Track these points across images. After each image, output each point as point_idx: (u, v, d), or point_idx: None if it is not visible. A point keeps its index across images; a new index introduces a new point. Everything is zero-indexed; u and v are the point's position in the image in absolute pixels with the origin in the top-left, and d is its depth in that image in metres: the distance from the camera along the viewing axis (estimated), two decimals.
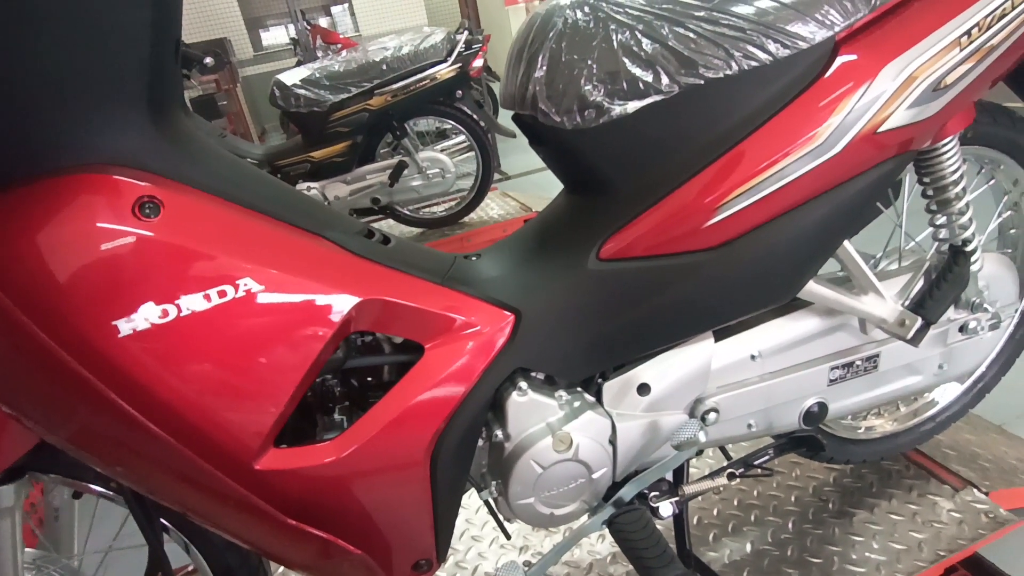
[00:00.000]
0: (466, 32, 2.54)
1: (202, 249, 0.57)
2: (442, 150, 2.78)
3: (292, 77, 2.46)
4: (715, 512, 1.13)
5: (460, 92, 2.58)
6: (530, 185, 3.83)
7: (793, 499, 1.13)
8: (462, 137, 2.79)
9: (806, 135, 0.67)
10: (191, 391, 0.57)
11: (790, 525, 1.08)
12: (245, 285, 0.58)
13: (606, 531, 0.89)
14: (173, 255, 0.55)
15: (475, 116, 2.69)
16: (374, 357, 0.71)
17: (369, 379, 0.74)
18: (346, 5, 8.25)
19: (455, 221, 2.93)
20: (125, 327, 0.54)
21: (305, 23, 6.41)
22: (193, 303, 0.56)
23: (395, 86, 2.45)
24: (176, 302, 0.55)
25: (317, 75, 2.43)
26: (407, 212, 2.86)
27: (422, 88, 2.47)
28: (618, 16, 0.65)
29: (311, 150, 2.54)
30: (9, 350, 0.51)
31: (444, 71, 2.48)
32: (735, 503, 1.14)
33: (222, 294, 0.57)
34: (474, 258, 0.79)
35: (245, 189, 0.62)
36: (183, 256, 0.56)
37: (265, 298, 0.59)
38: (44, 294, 0.51)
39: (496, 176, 3.13)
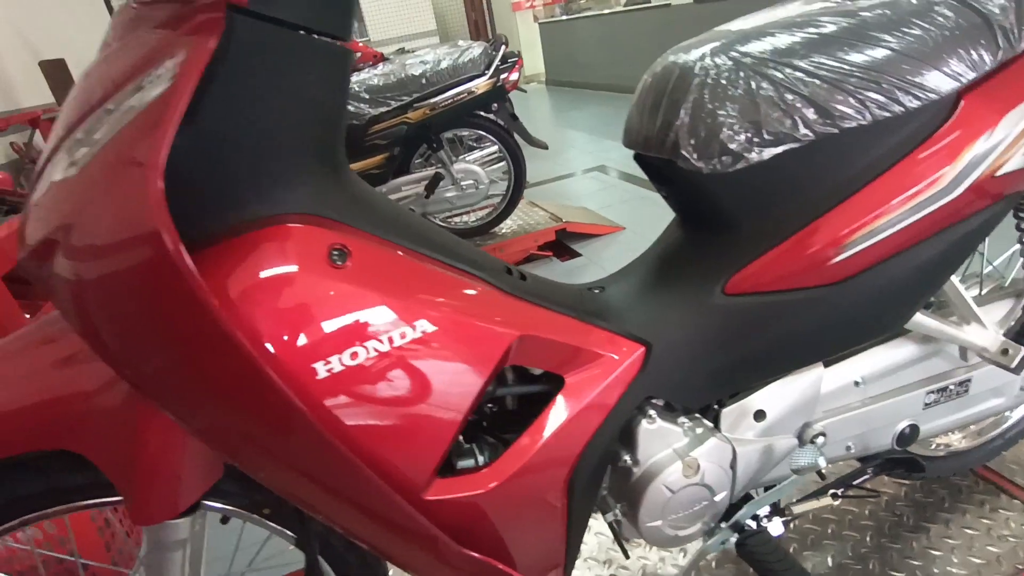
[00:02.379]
0: (503, 47, 2.57)
1: (384, 294, 0.60)
2: (474, 160, 2.82)
3: None
4: (791, 526, 1.17)
5: (496, 105, 2.62)
6: (552, 193, 3.86)
7: (867, 513, 1.17)
8: (493, 148, 2.83)
9: (930, 180, 0.71)
10: (375, 425, 0.60)
11: (868, 539, 1.12)
12: (421, 326, 0.61)
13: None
14: (361, 300, 0.59)
15: (509, 129, 2.73)
16: (519, 387, 0.74)
17: (508, 408, 0.77)
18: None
19: (486, 231, 2.97)
20: (322, 369, 0.57)
21: None
22: (378, 345, 0.59)
23: (434, 100, 2.49)
24: (364, 344, 0.59)
25: (356, 88, 2.47)
26: (438, 222, 2.90)
27: (460, 101, 2.51)
28: (759, 68, 0.68)
29: (349, 162, 2.58)
30: (231, 379, 0.53)
31: (482, 85, 2.52)
32: (810, 516, 1.18)
33: (402, 335, 0.61)
34: (597, 290, 0.83)
35: (410, 232, 0.66)
36: (369, 301, 0.59)
37: (438, 338, 0.62)
38: (258, 333, 0.54)
39: None
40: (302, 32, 0.53)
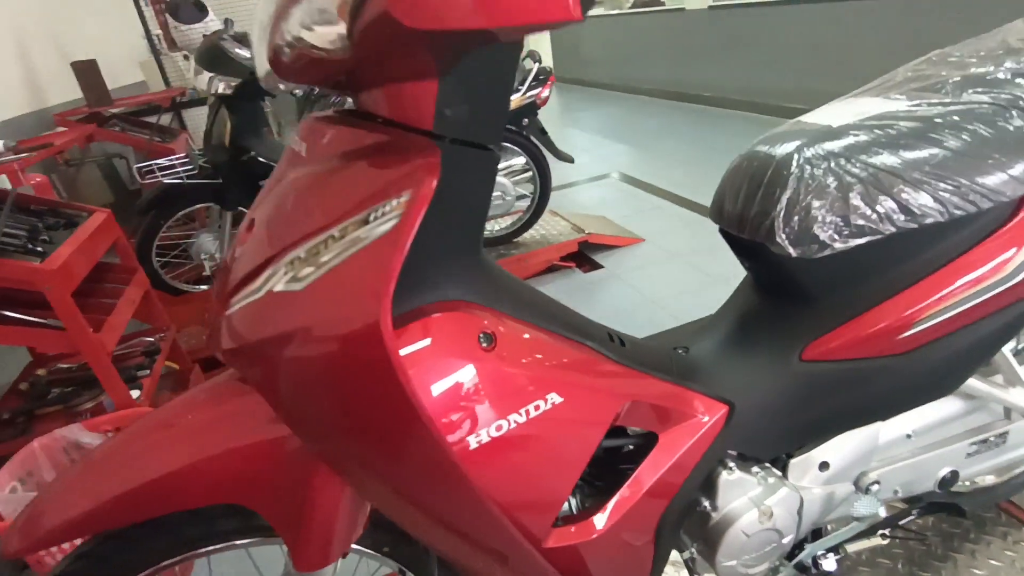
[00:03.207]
0: (537, 63, 2.63)
1: (522, 371, 0.68)
2: (500, 172, 2.88)
3: None
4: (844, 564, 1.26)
5: (527, 120, 2.68)
6: (568, 200, 3.93)
7: (897, 542, 1.26)
8: (520, 160, 2.89)
9: (994, 267, 0.79)
10: (510, 485, 0.68)
11: (900, 566, 1.21)
12: (551, 399, 0.69)
13: None
14: (505, 380, 0.66)
15: (538, 143, 2.79)
16: (620, 441, 0.82)
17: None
18: None
19: (510, 240, 3.04)
20: (473, 441, 0.65)
21: None
22: (517, 418, 0.67)
23: None
24: (507, 417, 0.66)
25: None
26: None
27: None
28: (848, 167, 0.76)
29: None
30: (412, 449, 0.60)
31: (515, 100, 2.58)
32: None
33: (536, 408, 0.68)
34: (682, 351, 0.91)
35: (535, 310, 0.73)
36: (511, 380, 0.67)
37: (564, 407, 0.70)
38: (428, 405, 0.62)
39: None
40: (474, 146, 0.60)
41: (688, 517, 0.89)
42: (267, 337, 0.56)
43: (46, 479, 1.58)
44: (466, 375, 0.64)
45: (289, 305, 0.55)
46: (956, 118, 0.78)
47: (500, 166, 2.90)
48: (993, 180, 0.76)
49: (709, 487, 0.86)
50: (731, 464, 0.85)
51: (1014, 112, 0.77)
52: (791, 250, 0.78)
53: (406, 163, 0.54)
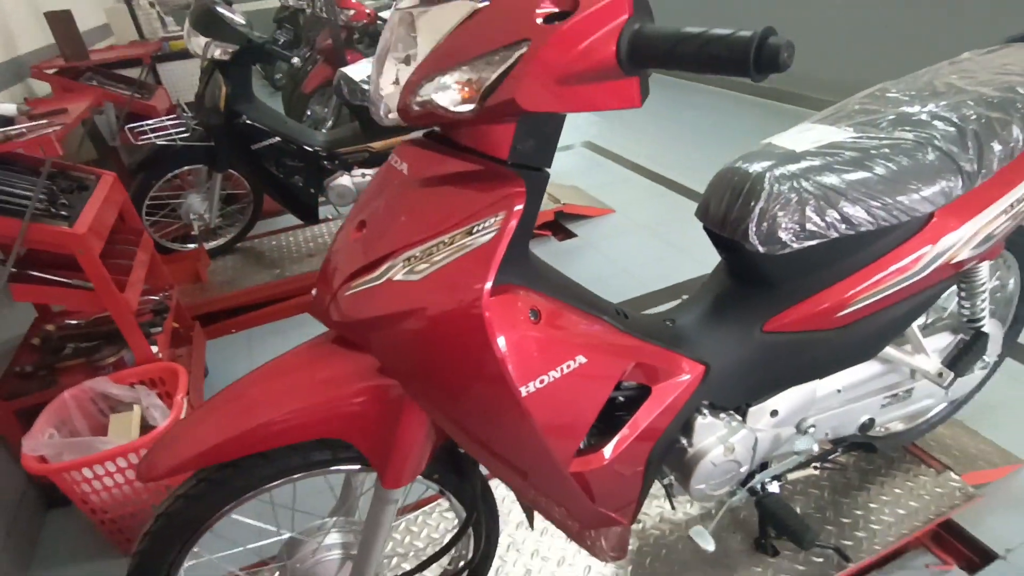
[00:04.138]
0: None
1: (559, 339, 0.88)
2: None
3: (359, 73, 2.63)
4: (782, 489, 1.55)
5: None
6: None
7: (826, 476, 1.56)
8: None
9: (909, 263, 1.04)
10: (550, 425, 0.89)
11: (825, 495, 1.51)
12: (579, 359, 0.90)
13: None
14: (548, 346, 0.87)
15: None
16: (621, 393, 1.05)
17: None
18: None
19: None
20: (523, 391, 0.85)
21: None
22: (555, 374, 0.88)
23: None
24: (548, 374, 0.87)
25: None
26: None
27: None
28: (806, 185, 0.98)
29: (370, 141, 2.75)
30: (489, 392, 0.80)
31: None
32: (786, 478, 1.56)
33: (568, 366, 0.89)
34: (669, 322, 1.13)
35: (564, 290, 0.93)
36: (551, 345, 0.87)
37: (587, 366, 0.91)
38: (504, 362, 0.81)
39: None
40: (535, 169, 0.79)
41: (669, 452, 1.13)
42: (388, 313, 0.75)
43: (77, 427, 1.72)
44: (523, 341, 0.84)
45: (407, 290, 0.74)
46: (887, 150, 1.01)
47: None
48: (910, 200, 0.99)
49: (687, 429, 1.10)
50: (705, 411, 1.09)
51: (929, 148, 1.00)
52: (760, 248, 1.00)
53: (498, 190, 0.73)
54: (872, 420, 1.28)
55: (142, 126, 2.51)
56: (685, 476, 1.12)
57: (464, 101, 0.67)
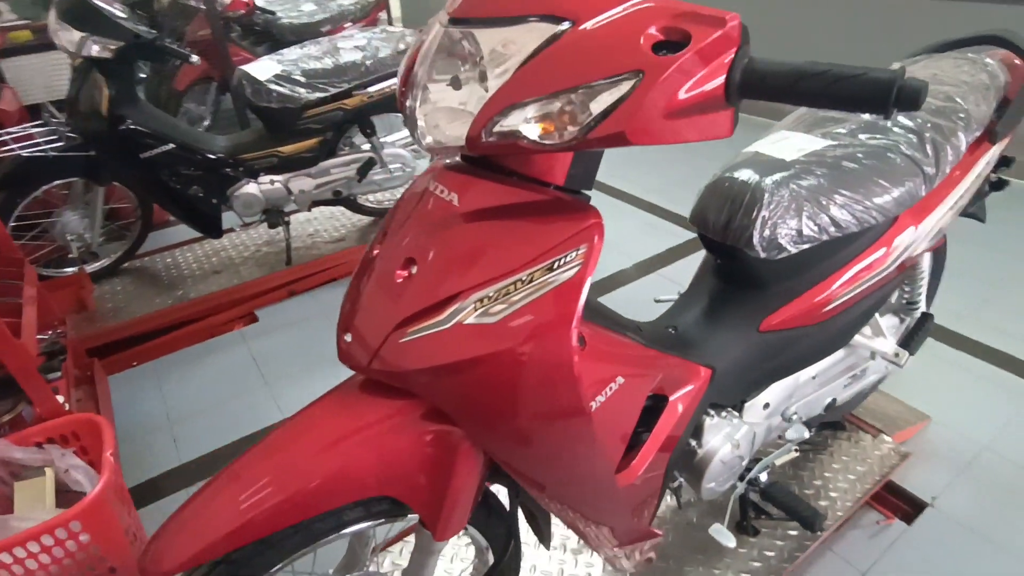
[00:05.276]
0: None
1: (601, 364, 0.87)
2: (397, 142, 2.91)
3: (264, 72, 2.42)
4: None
5: None
6: None
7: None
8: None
9: (879, 259, 1.14)
10: (603, 437, 0.87)
11: (787, 469, 1.62)
12: (619, 380, 0.89)
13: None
14: (593, 371, 0.85)
15: None
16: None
17: None
18: None
19: None
20: (590, 406, 0.82)
21: None
22: (600, 399, 0.86)
23: (373, 88, 2.53)
24: (602, 392, 0.85)
25: (291, 71, 2.43)
26: (370, 203, 2.98)
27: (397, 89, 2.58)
28: (801, 194, 1.03)
29: (279, 145, 2.54)
30: (566, 419, 0.77)
31: None
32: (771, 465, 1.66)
33: (611, 389, 0.88)
34: (672, 330, 1.15)
35: (598, 314, 0.92)
36: (596, 371, 0.86)
37: (625, 387, 0.91)
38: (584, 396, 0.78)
39: None
40: (580, 194, 0.76)
41: (681, 456, 1.16)
42: (461, 360, 0.69)
43: None
44: (579, 365, 0.81)
45: (483, 334, 0.68)
46: (861, 156, 1.09)
47: (396, 137, 2.92)
48: (885, 202, 1.08)
49: (696, 431, 1.13)
50: (711, 412, 1.13)
51: (897, 154, 1.10)
52: (762, 253, 1.04)
53: (577, 222, 0.69)
54: (834, 400, 1.40)
55: (1, 135, 2.13)
56: (696, 477, 1.15)
57: (553, 133, 0.62)
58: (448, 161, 0.77)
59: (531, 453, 0.78)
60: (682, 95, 0.58)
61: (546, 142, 0.63)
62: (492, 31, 0.64)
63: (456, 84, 0.69)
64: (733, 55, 0.58)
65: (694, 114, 0.59)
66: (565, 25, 0.61)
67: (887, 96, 0.54)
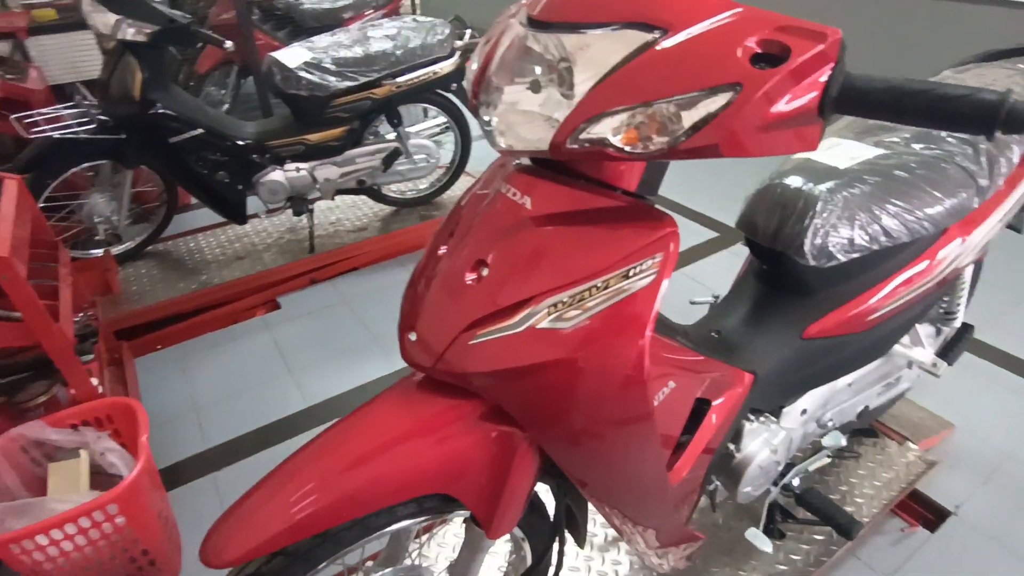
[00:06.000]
0: (468, 29, 2.66)
1: (657, 368, 0.87)
2: (422, 132, 2.90)
3: (294, 59, 2.42)
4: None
5: (455, 84, 2.72)
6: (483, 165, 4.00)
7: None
8: (441, 120, 2.93)
9: (930, 268, 1.14)
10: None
11: (817, 474, 1.63)
12: (671, 384, 0.90)
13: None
14: (656, 372, 0.85)
15: (460, 103, 2.85)
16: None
17: None
18: None
19: (429, 201, 3.10)
20: (654, 403, 0.82)
21: None
22: (662, 395, 0.87)
23: (402, 78, 2.53)
24: (660, 391, 0.86)
25: (321, 59, 2.42)
26: (393, 193, 2.98)
27: (426, 80, 2.58)
28: (852, 201, 1.03)
29: (306, 132, 2.54)
30: (629, 418, 0.77)
31: (447, 66, 2.60)
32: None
33: (663, 393, 0.89)
34: (715, 334, 1.15)
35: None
36: (659, 372, 0.86)
37: (676, 391, 0.91)
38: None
39: None
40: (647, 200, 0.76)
41: (719, 459, 1.16)
42: (532, 364, 0.69)
43: (5, 481, 1.47)
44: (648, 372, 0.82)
45: (556, 339, 0.69)
46: (914, 166, 1.09)
47: (421, 127, 2.91)
48: (937, 213, 1.08)
49: (736, 436, 1.14)
50: (751, 417, 1.13)
51: (951, 165, 1.10)
52: (812, 261, 1.04)
53: (653, 230, 0.69)
54: (867, 407, 1.40)
55: (33, 116, 2.14)
56: (734, 481, 1.15)
57: (638, 143, 0.62)
58: (517, 162, 0.77)
59: (593, 455, 0.79)
60: (777, 109, 0.58)
61: (636, 151, 0.63)
62: (579, 36, 0.64)
63: (535, 87, 0.68)
64: (831, 71, 0.58)
65: (785, 127, 0.59)
66: (657, 34, 0.61)
67: (994, 117, 0.54)
